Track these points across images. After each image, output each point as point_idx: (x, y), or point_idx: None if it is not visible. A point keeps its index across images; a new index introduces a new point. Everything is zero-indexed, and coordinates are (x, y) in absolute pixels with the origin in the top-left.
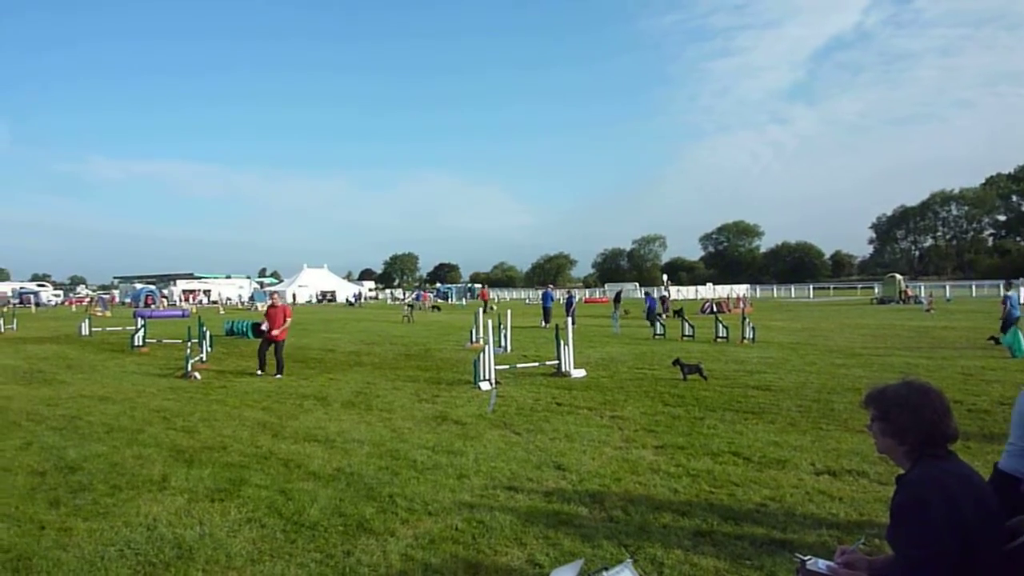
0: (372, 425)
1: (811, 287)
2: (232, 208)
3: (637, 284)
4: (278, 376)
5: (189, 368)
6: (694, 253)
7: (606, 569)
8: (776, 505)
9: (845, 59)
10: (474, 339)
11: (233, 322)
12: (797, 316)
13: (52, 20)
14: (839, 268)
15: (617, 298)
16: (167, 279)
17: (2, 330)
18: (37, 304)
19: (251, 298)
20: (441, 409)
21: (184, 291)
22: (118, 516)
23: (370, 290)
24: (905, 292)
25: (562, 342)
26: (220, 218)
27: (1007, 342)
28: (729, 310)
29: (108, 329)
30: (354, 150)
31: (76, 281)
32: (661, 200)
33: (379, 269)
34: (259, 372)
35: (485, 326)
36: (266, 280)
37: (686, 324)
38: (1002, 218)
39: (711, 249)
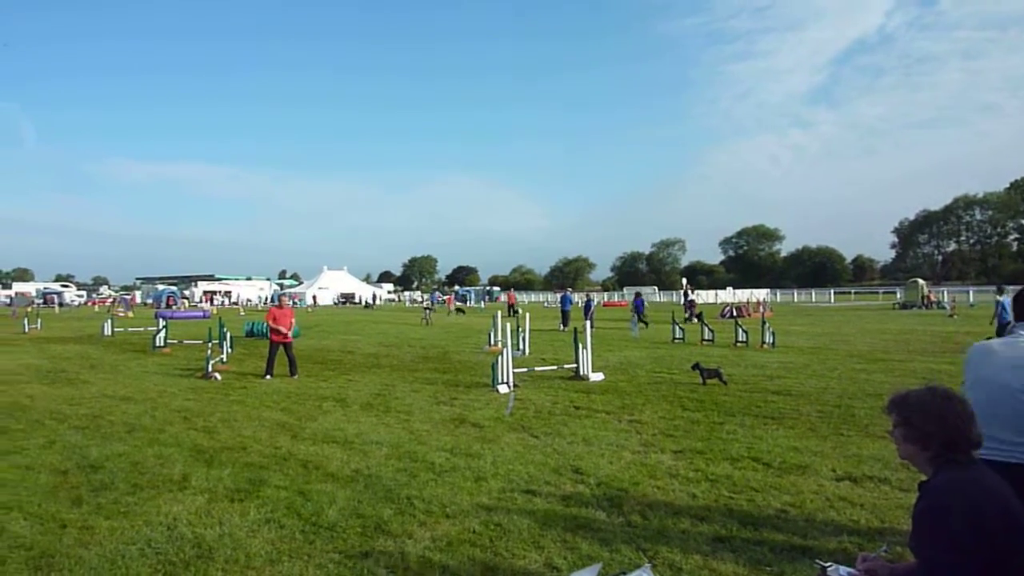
0: (390, 427)
1: (832, 292)
2: (253, 210)
3: (656, 288)
4: (294, 377)
5: (209, 369)
6: (714, 257)
7: (624, 573)
8: (796, 511)
9: (867, 62)
10: (492, 342)
11: (253, 323)
12: (818, 321)
13: (75, 20)
14: (861, 273)
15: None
16: (188, 280)
17: (26, 330)
18: (60, 304)
19: (272, 299)
20: (459, 412)
21: (205, 292)
22: (139, 515)
23: (389, 292)
24: (928, 297)
25: (580, 345)
26: (241, 220)
27: None
28: (749, 314)
29: (130, 330)
30: (374, 152)
31: (99, 282)
32: (681, 203)
33: (398, 272)
34: (267, 376)
35: (503, 329)
36: (286, 282)
37: (706, 328)
38: None
39: (731, 253)
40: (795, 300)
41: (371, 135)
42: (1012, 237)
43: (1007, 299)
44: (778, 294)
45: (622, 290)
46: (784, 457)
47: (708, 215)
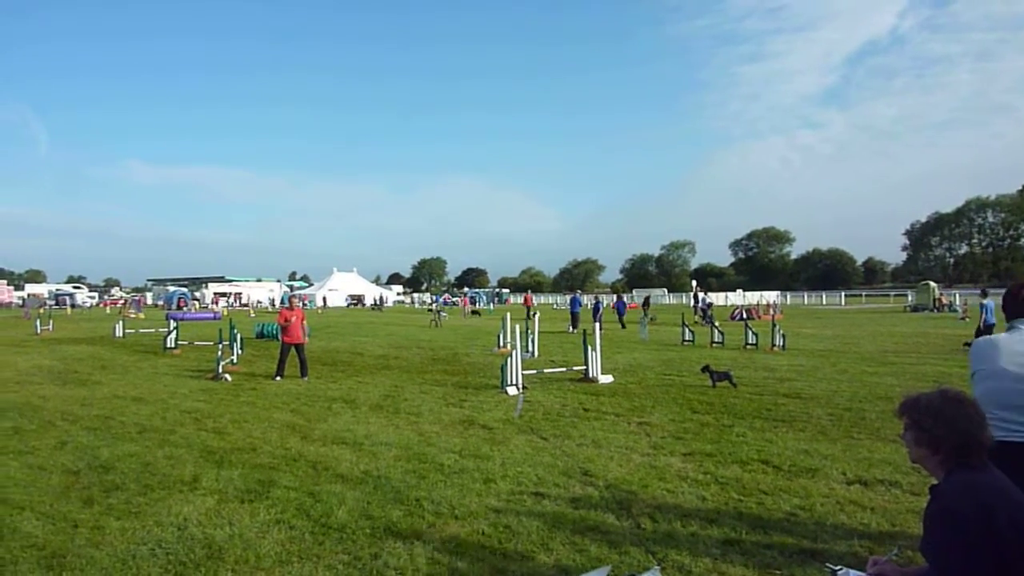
0: (400, 428)
1: (843, 294)
2: (263, 212)
3: (666, 290)
4: (304, 379)
5: (220, 370)
6: (724, 259)
7: None
8: (806, 514)
9: (879, 64)
10: (501, 344)
11: (263, 325)
12: (828, 323)
13: (86, 20)
14: (871, 275)
15: (646, 303)
16: (199, 282)
17: (39, 331)
18: (72, 306)
19: (282, 301)
20: (468, 413)
21: (215, 294)
22: (150, 515)
23: (398, 294)
24: (939, 300)
25: (589, 347)
26: (252, 222)
27: None
28: (759, 317)
29: (141, 331)
30: (384, 154)
31: (110, 283)
32: (691, 205)
33: (407, 273)
34: (277, 378)
35: (512, 331)
36: (296, 284)
37: (715, 330)
38: None
39: (741, 255)
40: (805, 303)
41: (381, 137)
42: None
43: (991, 302)
44: (788, 296)
45: (631, 292)
46: (794, 460)
47: (718, 217)
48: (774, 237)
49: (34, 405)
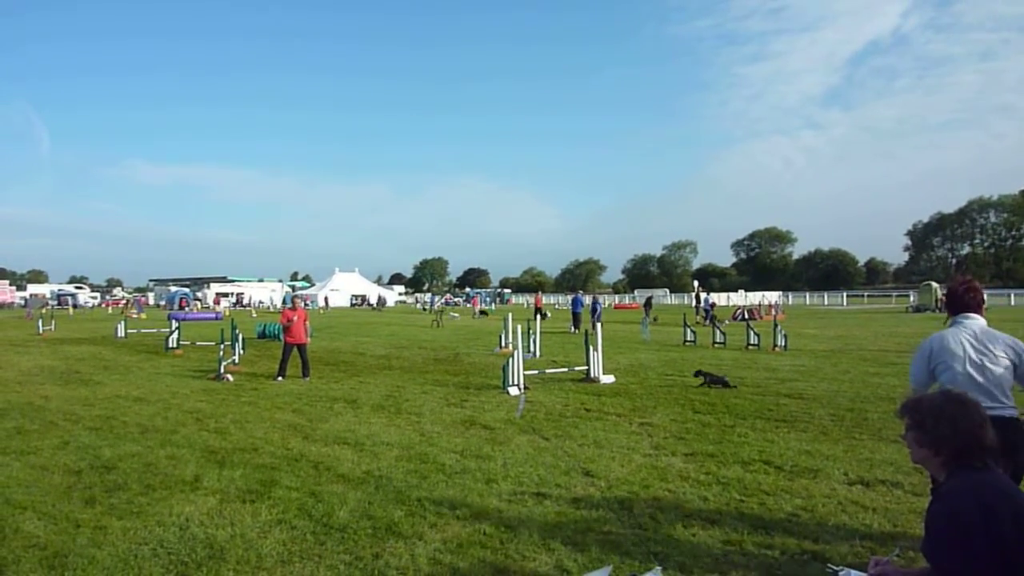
0: (401, 429)
1: (845, 294)
2: (265, 212)
3: (667, 290)
4: (306, 379)
5: (222, 370)
6: (726, 259)
7: None
8: (808, 515)
9: (882, 64)
10: (503, 344)
11: (265, 325)
12: (830, 324)
13: (90, 19)
14: (873, 275)
15: (648, 304)
16: (201, 282)
17: (41, 331)
18: (74, 306)
19: (284, 301)
20: (470, 414)
21: (217, 294)
22: (151, 515)
23: (400, 294)
24: (941, 300)
25: (591, 348)
26: (253, 222)
27: None
28: (761, 317)
29: (143, 331)
30: (385, 155)
31: (112, 283)
32: (692, 205)
33: (409, 273)
34: (279, 378)
35: (514, 331)
36: (298, 284)
37: (718, 331)
38: None
39: (743, 255)
40: (807, 303)
41: (383, 138)
42: None
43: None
44: (790, 297)
45: (633, 292)
46: (796, 461)
47: (720, 217)
48: (776, 237)
49: (36, 405)
